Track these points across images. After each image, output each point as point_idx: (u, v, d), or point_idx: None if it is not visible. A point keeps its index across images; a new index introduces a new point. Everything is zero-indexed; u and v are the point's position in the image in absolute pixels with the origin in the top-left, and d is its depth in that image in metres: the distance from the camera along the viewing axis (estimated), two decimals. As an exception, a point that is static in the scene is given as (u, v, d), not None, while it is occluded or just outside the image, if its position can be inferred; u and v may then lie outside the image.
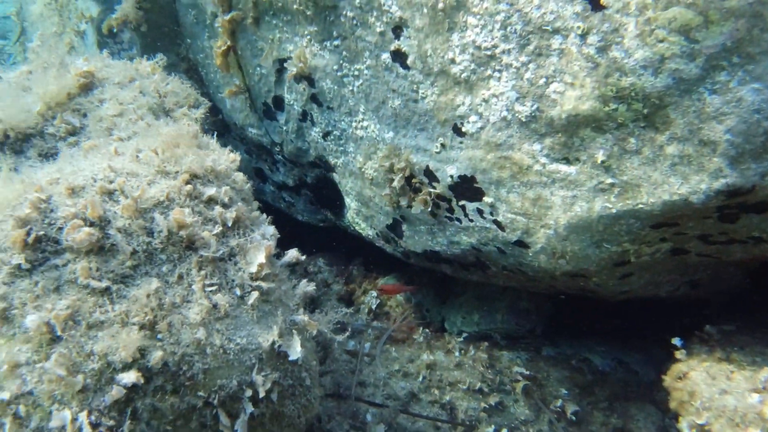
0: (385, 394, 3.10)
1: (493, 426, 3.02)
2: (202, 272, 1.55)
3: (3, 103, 2.54)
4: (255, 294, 1.58)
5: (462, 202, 2.81)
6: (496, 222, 2.71)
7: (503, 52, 2.33)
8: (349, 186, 3.58)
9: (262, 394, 1.51)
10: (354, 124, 3.27)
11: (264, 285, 1.61)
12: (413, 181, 2.97)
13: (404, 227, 3.28)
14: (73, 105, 2.55)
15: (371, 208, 3.47)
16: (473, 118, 2.54)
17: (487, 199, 2.67)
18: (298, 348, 1.57)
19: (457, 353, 3.49)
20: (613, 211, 2.27)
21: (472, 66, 2.45)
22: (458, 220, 2.90)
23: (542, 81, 2.25)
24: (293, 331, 1.64)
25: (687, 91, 1.89)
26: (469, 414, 3.08)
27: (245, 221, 1.73)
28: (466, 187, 2.74)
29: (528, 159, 2.42)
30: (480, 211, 2.76)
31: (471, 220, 2.83)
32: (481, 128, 2.52)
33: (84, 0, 5.22)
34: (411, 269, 4.28)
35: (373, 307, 4.00)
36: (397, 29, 2.72)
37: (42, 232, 1.48)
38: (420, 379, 3.23)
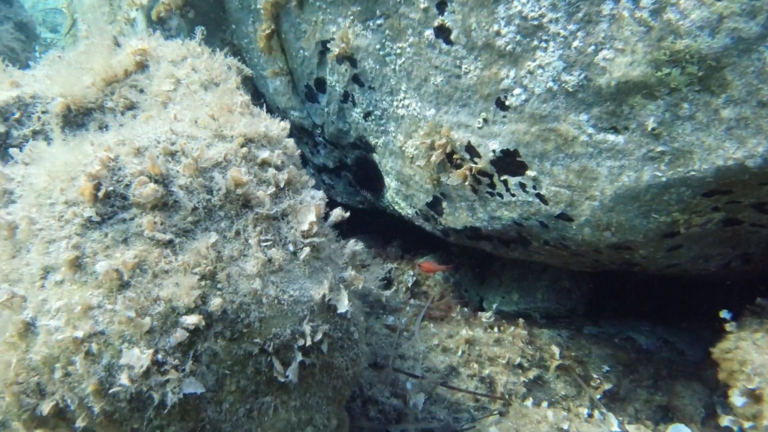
0: (424, 367, 3.14)
1: (531, 399, 3.02)
2: (258, 228, 1.62)
3: (64, 79, 2.68)
4: (306, 250, 1.64)
5: (504, 177, 2.81)
6: (538, 195, 2.70)
7: (551, 21, 2.31)
8: (389, 166, 3.62)
9: (312, 344, 1.57)
10: (395, 103, 3.30)
11: (315, 241, 1.67)
12: (454, 157, 2.99)
13: (444, 204, 3.30)
14: (130, 81, 2.68)
15: (411, 186, 3.50)
16: (517, 90, 2.53)
17: (530, 173, 2.66)
18: (346, 302, 1.63)
19: (496, 329, 3.49)
20: (663, 179, 2.24)
21: (518, 37, 2.44)
22: (500, 195, 2.90)
23: (591, 49, 2.23)
24: (341, 286, 1.70)
25: (746, 51, 1.84)
26: (508, 388, 3.09)
27: (296, 184, 1.79)
28: (509, 162, 2.74)
29: (574, 130, 2.40)
30: (522, 186, 2.75)
31: (513, 195, 2.83)
32: (526, 101, 2.51)
33: (134, -11, 5.42)
34: (449, 249, 4.30)
35: (410, 285, 4.03)
36: (441, 4, 2.73)
37: (111, 188, 1.58)
38: (459, 353, 3.26)
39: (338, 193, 4.50)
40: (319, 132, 4.08)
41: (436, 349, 3.31)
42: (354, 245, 1.95)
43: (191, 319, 1.44)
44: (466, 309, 3.86)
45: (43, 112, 2.65)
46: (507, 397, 3.04)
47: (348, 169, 4.17)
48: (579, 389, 3.22)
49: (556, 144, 2.49)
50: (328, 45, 3.50)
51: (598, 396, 3.20)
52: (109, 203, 1.58)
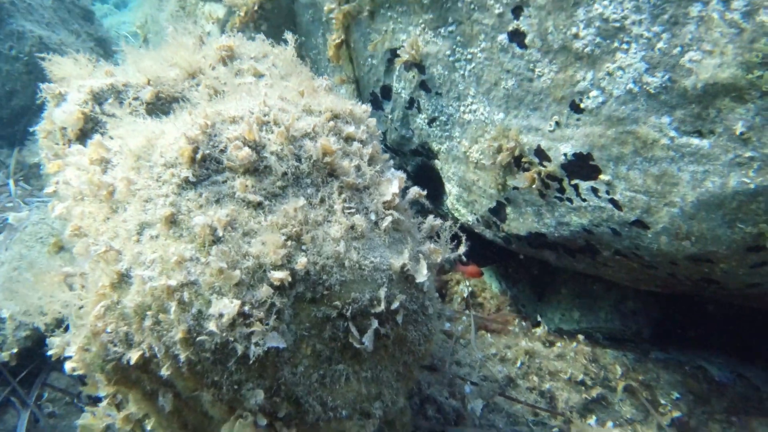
0: (481, 376, 3.06)
1: (594, 417, 2.87)
2: (342, 196, 1.65)
3: (153, 70, 2.86)
4: (388, 219, 1.65)
5: (575, 181, 2.76)
6: (612, 201, 2.63)
7: (633, 23, 2.30)
8: (451, 171, 3.63)
9: (388, 313, 1.57)
10: (462, 108, 3.33)
11: (395, 213, 1.68)
12: (522, 160, 2.97)
13: (508, 210, 3.26)
14: (214, 74, 2.82)
15: (473, 192, 3.49)
16: (594, 93, 2.51)
17: (603, 177, 2.61)
18: (425, 271, 1.62)
19: (558, 343, 3.37)
20: (752, 186, 2.14)
21: (597, 39, 2.43)
22: (569, 200, 2.85)
23: (676, 50, 2.20)
24: (420, 257, 1.70)
25: None
26: (570, 405, 2.97)
27: (378, 160, 1.82)
28: (581, 165, 2.69)
29: (654, 133, 2.34)
30: (594, 190, 2.69)
31: (584, 200, 2.77)
32: (603, 103, 2.48)
33: (210, 4, 5.77)
34: (507, 263, 4.23)
35: (466, 295, 3.97)
36: (517, 9, 2.76)
37: (207, 152, 1.65)
38: (518, 364, 3.16)
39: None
40: (381, 139, 4.15)
41: (493, 359, 3.22)
42: (433, 220, 1.95)
43: (278, 275, 1.47)
44: (524, 323, 3.76)
45: (134, 99, 2.82)
46: (569, 413, 2.91)
47: (408, 176, 4.20)
48: (646, 414, 3.05)
49: (633, 147, 2.43)
50: (398, 52, 3.59)
51: (667, 423, 3.02)
52: (205, 166, 1.65)
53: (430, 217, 1.99)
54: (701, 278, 2.73)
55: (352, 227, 1.61)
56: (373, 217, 1.67)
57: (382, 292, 1.57)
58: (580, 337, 3.41)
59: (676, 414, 3.07)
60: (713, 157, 2.22)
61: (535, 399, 2.97)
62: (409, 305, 1.65)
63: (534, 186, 2.92)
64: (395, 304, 1.58)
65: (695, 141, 2.25)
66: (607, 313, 3.64)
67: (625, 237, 2.70)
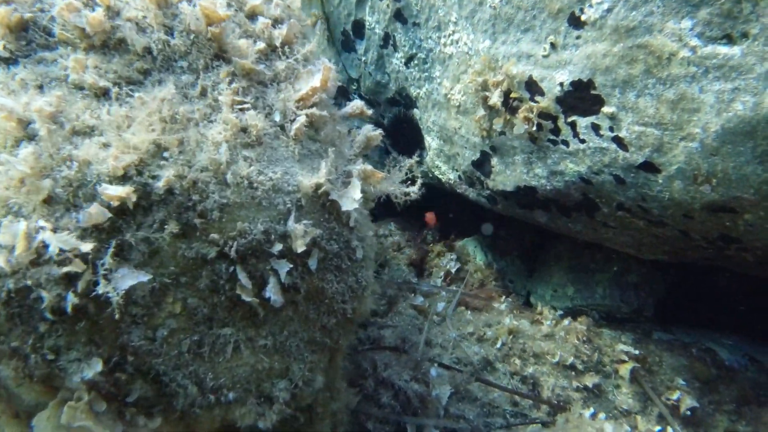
0: (453, 358, 2.57)
1: (591, 409, 2.40)
2: (233, 86, 1.14)
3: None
4: (300, 121, 1.14)
5: (572, 118, 2.25)
6: (616, 140, 2.12)
7: None
8: (431, 120, 3.12)
9: (295, 256, 1.06)
10: (443, 41, 2.81)
11: (315, 113, 1.17)
12: (511, 97, 2.45)
13: (494, 161, 2.75)
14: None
15: (455, 143, 2.98)
16: None
17: (606, 110, 2.09)
18: (357, 196, 1.12)
19: (547, 322, 2.89)
20: (798, 107, 1.63)
21: (602, -71, 1.90)
22: (564, 143, 2.34)
23: (703, -72, 1.67)
24: (350, 179, 1.19)
25: None
26: (555, 393, 2.48)
27: (297, 48, 1.30)
28: (580, 97, 2.17)
29: (672, 43, 1.82)
30: (596, 128, 2.18)
31: (582, 141, 2.26)
32: (608, 10, 1.96)
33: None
34: (495, 234, 3.72)
35: (453, 271, 3.47)
36: None
37: (30, 15, 1.13)
38: (498, 345, 2.67)
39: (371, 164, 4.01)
40: (354, 88, 3.62)
41: (470, 338, 2.74)
42: (371, 130, 1.44)
43: (114, 191, 0.96)
44: (510, 299, 3.27)
45: None
46: (555, 403, 2.43)
47: (385, 131, 3.67)
48: (645, 404, 2.57)
49: (645, 66, 1.91)
50: (370, -21, 3.05)
51: (679, 421, 2.54)
52: (27, 37, 1.13)
53: (368, 126, 1.48)
54: (719, 236, 2.23)
55: (244, 130, 1.10)
56: (278, 118, 1.16)
57: (287, 225, 1.07)
58: (580, 317, 2.92)
59: (689, 404, 2.59)
60: (745, 69, 1.70)
61: (516, 385, 2.48)
62: (328, 245, 1.15)
63: (524, 129, 2.41)
64: (305, 240, 1.07)
65: (723, 50, 1.73)
66: (604, 289, 3.15)
67: (630, 185, 2.19)
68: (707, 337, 3.10)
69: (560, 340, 2.76)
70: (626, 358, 2.65)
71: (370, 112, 1.42)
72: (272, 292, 1.08)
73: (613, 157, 2.16)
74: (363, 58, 3.39)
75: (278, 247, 1.06)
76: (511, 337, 2.72)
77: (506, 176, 2.69)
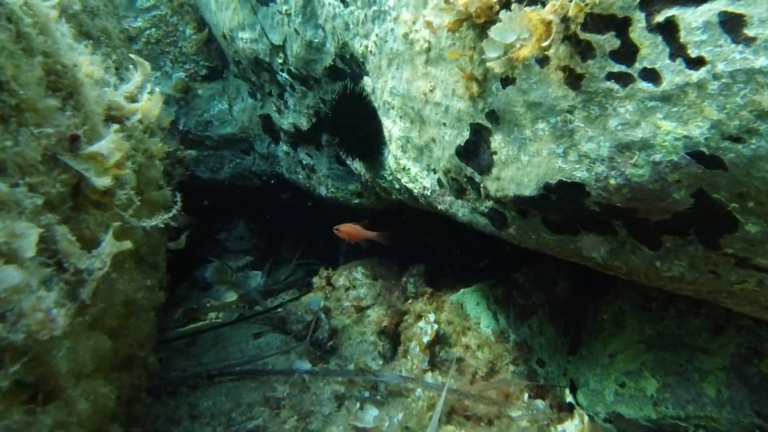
0: None
1: None
2: None
3: None
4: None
5: (664, 14, 0.92)
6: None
7: None
8: (388, 89, 1.82)
9: None
10: (396, -61, 1.57)
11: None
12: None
13: (496, 142, 1.40)
14: None
15: (427, 121, 1.65)
16: None
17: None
18: None
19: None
20: None
21: None
22: (648, 75, 0.99)
23: None
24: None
25: None
26: None
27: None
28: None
29: None
30: (730, 26, 0.84)
31: (695, 62, 0.91)
32: None
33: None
34: (509, 278, 2.32)
35: (426, 341, 2.05)
36: None
37: None
38: None
39: (322, 180, 2.70)
40: (280, 61, 2.37)
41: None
42: None
43: None
44: (541, 402, 1.83)
45: None
46: None
47: (330, 127, 2.37)
48: None
49: None
50: None
51: None
52: None
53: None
54: None
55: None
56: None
57: None
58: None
59: None
60: None
61: None
62: None
63: (552, 55, 1.08)
64: None
65: None
66: (718, 387, 1.69)
67: None
68: None
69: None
70: None
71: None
72: None
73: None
74: (284, 7, 2.15)
75: None
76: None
77: (521, 167, 1.32)
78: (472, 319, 2.14)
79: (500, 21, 1.13)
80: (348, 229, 2.36)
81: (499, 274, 2.34)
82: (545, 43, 1.09)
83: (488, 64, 1.24)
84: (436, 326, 2.07)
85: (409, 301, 2.47)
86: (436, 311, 2.23)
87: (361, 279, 2.84)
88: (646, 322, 1.93)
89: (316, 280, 2.83)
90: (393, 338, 2.44)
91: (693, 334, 1.82)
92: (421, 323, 2.14)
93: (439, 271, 2.72)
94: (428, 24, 1.44)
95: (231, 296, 3.15)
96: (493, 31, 1.15)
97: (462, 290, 2.26)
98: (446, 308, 2.23)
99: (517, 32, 1.08)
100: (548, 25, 1.06)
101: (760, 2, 0.90)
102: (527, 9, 1.07)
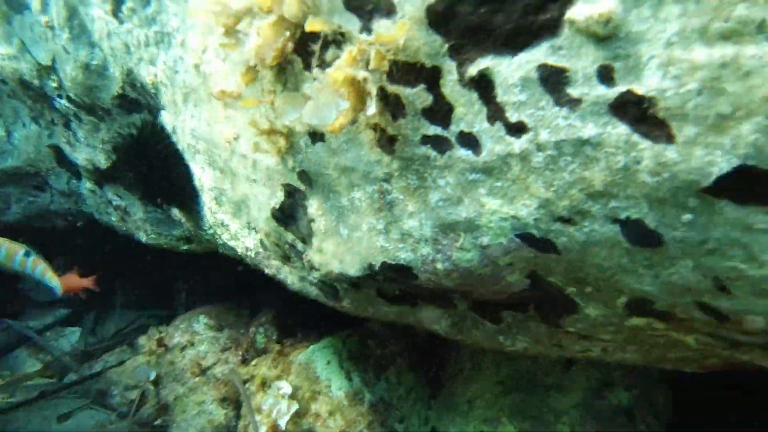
0: None
1: None
2: None
3: None
4: None
5: (484, 62, 0.72)
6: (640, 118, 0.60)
7: None
8: (189, 128, 1.48)
9: None
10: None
11: None
12: (309, 30, 0.87)
13: (312, 206, 1.15)
14: None
15: (238, 177, 1.34)
16: None
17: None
18: None
19: None
20: None
21: None
22: (465, 141, 0.79)
23: None
24: None
25: None
26: None
27: None
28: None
29: None
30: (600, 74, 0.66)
31: (515, 130, 0.73)
32: None
33: None
34: (362, 331, 2.10)
35: (284, 423, 1.76)
36: None
37: None
38: None
39: (139, 225, 2.25)
40: (54, 85, 1.89)
41: None
42: None
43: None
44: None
45: None
46: None
47: (131, 170, 1.94)
48: None
49: None
50: None
51: None
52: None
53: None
54: None
55: None
56: None
57: None
58: None
59: None
60: None
61: None
62: None
63: (356, 112, 0.84)
64: None
65: None
66: (573, 426, 1.63)
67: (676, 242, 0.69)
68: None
69: None
70: None
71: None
72: None
73: (637, 157, 0.64)
74: (43, 18, 1.68)
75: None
76: None
77: (342, 242, 1.08)
78: (322, 381, 1.89)
79: (309, 98, 0.85)
80: (66, 281, 1.99)
81: (354, 318, 2.11)
82: (369, 112, 0.83)
83: (288, 124, 0.97)
84: (294, 406, 1.76)
85: (254, 362, 2.14)
86: (281, 375, 1.94)
87: (202, 332, 2.46)
88: (503, 361, 1.84)
89: (144, 340, 2.38)
90: (239, 404, 2.12)
91: (546, 371, 1.76)
92: (270, 398, 1.83)
93: (292, 314, 2.43)
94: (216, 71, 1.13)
95: (34, 365, 2.57)
96: (306, 116, 0.86)
97: (312, 347, 1.99)
98: (293, 371, 1.95)
99: (334, 106, 0.81)
100: (359, 84, 0.81)
101: (584, 52, 0.74)
102: (329, 70, 0.80)
